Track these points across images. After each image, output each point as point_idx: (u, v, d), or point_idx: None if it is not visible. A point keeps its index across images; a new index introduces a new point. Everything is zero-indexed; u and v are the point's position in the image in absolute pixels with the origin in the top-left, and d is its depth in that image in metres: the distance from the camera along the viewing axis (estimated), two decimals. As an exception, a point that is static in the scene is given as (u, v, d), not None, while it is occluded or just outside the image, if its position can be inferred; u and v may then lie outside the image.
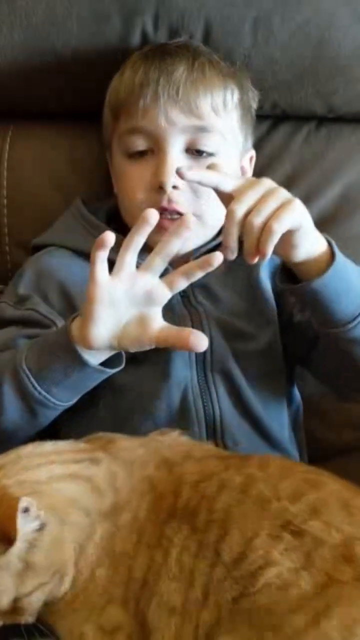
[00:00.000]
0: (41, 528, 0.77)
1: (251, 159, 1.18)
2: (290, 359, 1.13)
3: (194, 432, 1.03)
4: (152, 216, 0.90)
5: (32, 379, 0.95)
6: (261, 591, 0.73)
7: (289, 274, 0.98)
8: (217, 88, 1.08)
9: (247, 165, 1.17)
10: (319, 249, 0.95)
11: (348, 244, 0.99)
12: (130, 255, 0.92)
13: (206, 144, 1.08)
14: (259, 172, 1.20)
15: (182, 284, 0.93)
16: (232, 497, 0.81)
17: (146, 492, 0.83)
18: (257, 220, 0.89)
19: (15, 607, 0.79)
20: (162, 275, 0.94)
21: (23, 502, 0.75)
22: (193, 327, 1.06)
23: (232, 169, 1.11)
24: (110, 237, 0.88)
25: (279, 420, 1.10)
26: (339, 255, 0.95)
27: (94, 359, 0.94)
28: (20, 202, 1.26)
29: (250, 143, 1.17)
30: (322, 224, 0.98)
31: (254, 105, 1.17)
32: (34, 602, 0.79)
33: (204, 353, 1.05)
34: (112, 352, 0.95)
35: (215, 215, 1.05)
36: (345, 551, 0.74)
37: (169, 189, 1.05)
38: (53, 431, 1.08)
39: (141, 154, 1.09)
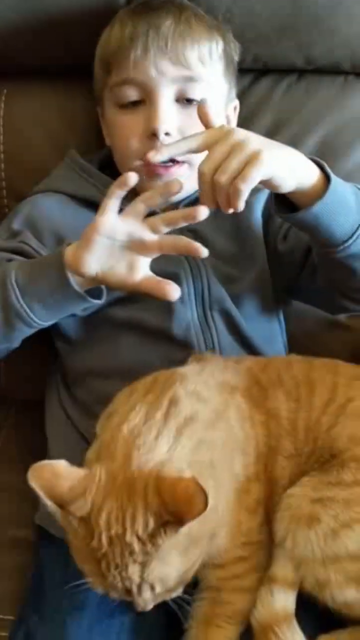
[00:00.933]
0: None
1: (235, 108, 1.22)
2: (279, 290, 1.17)
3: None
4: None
5: (17, 291, 0.98)
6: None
7: (284, 199, 0.99)
8: (203, 39, 1.12)
9: (232, 114, 1.21)
10: (309, 178, 0.96)
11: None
12: (144, 205, 0.96)
13: (195, 93, 1.11)
14: (242, 124, 1.24)
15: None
16: (302, 367, 0.97)
17: (232, 389, 0.94)
18: (223, 179, 0.90)
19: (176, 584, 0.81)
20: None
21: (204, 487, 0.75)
22: (191, 271, 1.11)
23: (218, 116, 1.14)
24: (132, 178, 0.93)
25: (276, 352, 1.16)
26: (334, 178, 0.97)
27: (77, 285, 0.98)
28: (17, 156, 1.30)
29: (234, 93, 1.21)
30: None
31: (236, 57, 1.20)
32: (192, 573, 0.82)
33: (202, 293, 1.10)
34: (94, 285, 0.99)
35: None
36: None
37: (161, 135, 1.08)
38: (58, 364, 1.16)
39: (133, 104, 1.12)
